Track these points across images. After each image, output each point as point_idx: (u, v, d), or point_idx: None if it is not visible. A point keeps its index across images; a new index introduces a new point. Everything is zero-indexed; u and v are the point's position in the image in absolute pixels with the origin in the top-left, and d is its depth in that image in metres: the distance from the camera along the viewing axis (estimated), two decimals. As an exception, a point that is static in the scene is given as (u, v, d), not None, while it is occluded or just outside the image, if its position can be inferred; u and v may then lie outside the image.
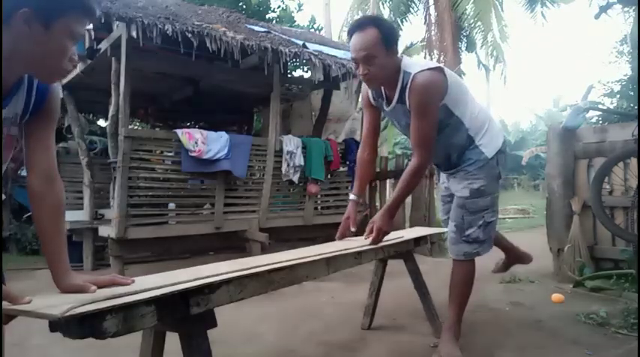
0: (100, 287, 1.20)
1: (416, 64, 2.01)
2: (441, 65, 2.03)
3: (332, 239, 2.37)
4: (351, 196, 2.36)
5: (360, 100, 7.02)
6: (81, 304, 1.03)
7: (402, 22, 13.27)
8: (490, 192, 2.16)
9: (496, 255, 2.82)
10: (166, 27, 3.91)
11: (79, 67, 4.91)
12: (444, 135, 2.08)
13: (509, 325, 2.73)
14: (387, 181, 6.55)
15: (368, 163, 2.39)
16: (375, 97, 2.20)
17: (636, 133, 3.43)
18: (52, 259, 1.20)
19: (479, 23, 11.96)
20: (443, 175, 2.41)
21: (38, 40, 1.05)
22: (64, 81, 5.27)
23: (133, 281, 1.28)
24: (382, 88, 2.11)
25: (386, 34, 1.94)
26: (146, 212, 4.26)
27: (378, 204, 6.18)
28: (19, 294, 1.05)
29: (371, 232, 2.10)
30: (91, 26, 4.48)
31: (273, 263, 1.59)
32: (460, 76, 13.25)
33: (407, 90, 1.97)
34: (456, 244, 2.19)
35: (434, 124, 1.99)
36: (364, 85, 2.22)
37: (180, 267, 1.62)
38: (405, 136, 2.28)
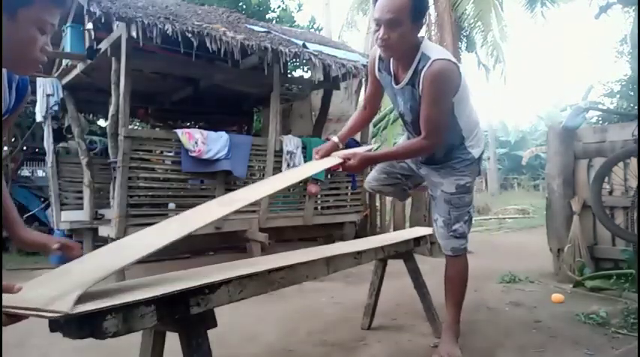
0: (55, 246, 1.28)
1: (436, 49, 1.94)
2: (458, 63, 1.97)
3: (332, 239, 2.39)
4: (334, 138, 2.28)
5: (359, 99, 7.03)
6: (83, 289, 1.06)
7: (402, 22, 13.25)
8: (472, 189, 2.22)
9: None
10: (166, 27, 3.91)
11: (80, 67, 4.92)
12: None
13: (509, 325, 2.73)
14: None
15: (364, 117, 2.38)
16: (381, 69, 2.12)
17: (636, 133, 3.43)
18: (7, 221, 1.28)
19: (479, 23, 11.93)
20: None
21: (5, 31, 1.03)
22: (64, 81, 5.28)
23: (81, 253, 1.33)
24: (391, 62, 2.03)
25: (417, 4, 1.83)
26: (146, 212, 4.26)
27: (378, 204, 6.19)
28: (8, 283, 1.04)
29: (344, 160, 2.00)
30: (91, 26, 4.48)
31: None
32: (460, 76, 13.31)
33: (422, 74, 1.88)
34: (445, 239, 2.21)
35: (448, 113, 1.96)
36: (372, 52, 2.14)
37: (180, 267, 1.63)
38: (402, 123, 2.24)
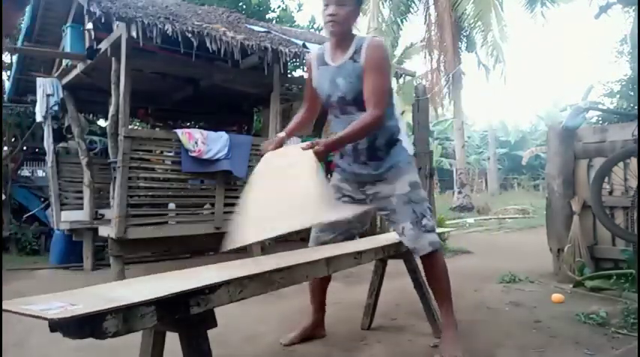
0: None
1: (368, 36, 2.23)
2: None
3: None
4: (280, 133, 2.32)
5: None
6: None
7: (402, 22, 13.26)
8: (421, 185, 2.29)
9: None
10: (166, 27, 3.91)
11: (80, 67, 4.92)
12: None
13: (509, 325, 2.73)
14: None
15: (306, 116, 2.44)
16: (318, 65, 2.24)
17: (636, 133, 3.43)
18: None
19: (479, 23, 11.96)
20: (351, 176, 2.31)
21: None
22: (64, 81, 5.28)
23: None
24: (326, 54, 2.20)
25: None
26: (146, 212, 4.26)
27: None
28: None
29: (309, 147, 1.99)
30: (91, 26, 4.48)
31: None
32: (460, 76, 13.32)
33: (362, 49, 2.07)
34: (419, 238, 2.16)
35: (390, 82, 2.12)
36: (308, 57, 2.38)
37: (180, 267, 1.63)
38: (338, 111, 2.23)
